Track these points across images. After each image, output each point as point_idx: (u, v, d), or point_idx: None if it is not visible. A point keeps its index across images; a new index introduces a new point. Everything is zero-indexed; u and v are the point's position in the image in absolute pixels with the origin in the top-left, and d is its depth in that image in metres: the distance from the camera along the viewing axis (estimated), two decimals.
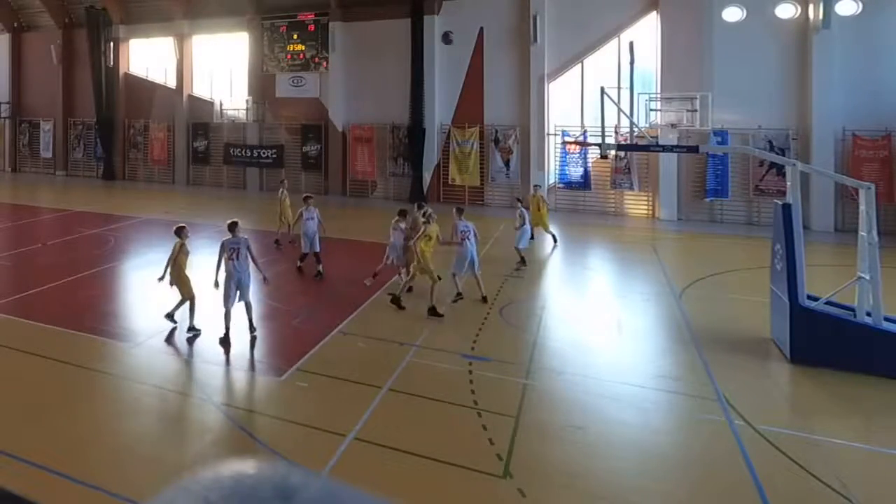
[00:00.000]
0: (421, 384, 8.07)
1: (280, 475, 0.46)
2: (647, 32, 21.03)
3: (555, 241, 16.52)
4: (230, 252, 9.49)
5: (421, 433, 6.82)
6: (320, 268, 13.31)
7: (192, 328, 9.76)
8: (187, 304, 9.87)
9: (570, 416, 7.35)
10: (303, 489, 0.45)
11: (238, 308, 9.54)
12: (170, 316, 10.10)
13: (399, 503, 0.53)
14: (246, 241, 9.68)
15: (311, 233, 13.32)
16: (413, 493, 5.81)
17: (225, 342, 9.31)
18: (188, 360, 8.98)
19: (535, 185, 18.47)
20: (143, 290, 13.17)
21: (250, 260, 9.64)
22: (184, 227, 10.20)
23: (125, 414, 7.44)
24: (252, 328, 9.65)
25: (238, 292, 9.48)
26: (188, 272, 10.05)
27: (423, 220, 11.32)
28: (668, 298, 11.93)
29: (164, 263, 10.06)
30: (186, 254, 10.02)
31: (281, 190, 16.71)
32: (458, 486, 5.95)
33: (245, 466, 0.47)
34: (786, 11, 19.59)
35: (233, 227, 9.70)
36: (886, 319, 8.55)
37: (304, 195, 14.69)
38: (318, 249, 13.35)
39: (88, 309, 11.17)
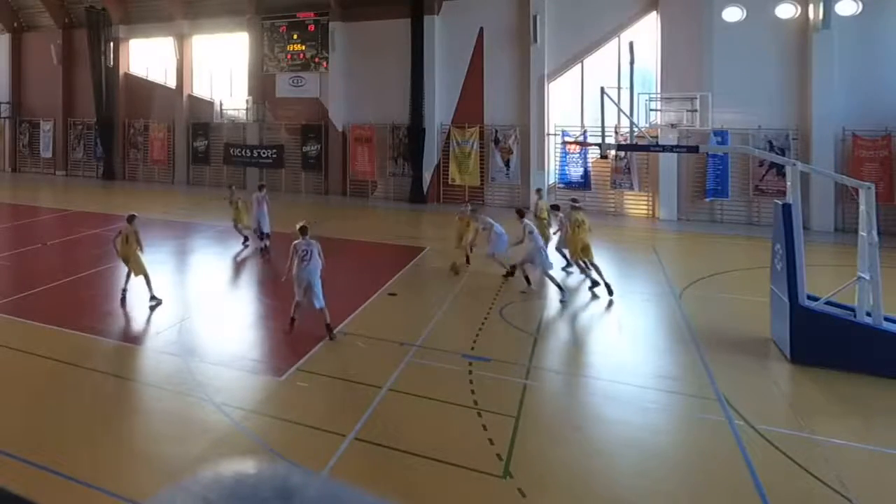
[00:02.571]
0: (421, 384, 8.07)
1: (280, 475, 0.46)
2: (647, 32, 21.03)
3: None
4: (302, 254, 9.61)
5: (421, 433, 6.81)
6: (266, 243, 15.31)
7: (153, 297, 11.26)
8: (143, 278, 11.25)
9: (570, 416, 7.35)
10: (303, 489, 0.45)
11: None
12: (154, 299, 11.22)
13: (399, 503, 0.53)
14: (316, 244, 9.78)
15: (263, 217, 15.55)
16: (413, 493, 5.81)
17: (291, 324, 9.68)
18: (188, 360, 8.97)
19: (538, 189, 18.22)
20: (143, 290, 13.16)
21: (319, 263, 9.69)
22: (135, 216, 11.68)
23: (125, 414, 7.44)
24: (331, 334, 9.58)
25: (306, 295, 9.61)
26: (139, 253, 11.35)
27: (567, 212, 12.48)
28: (668, 298, 11.93)
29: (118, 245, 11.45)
30: (136, 236, 11.31)
31: (233, 193, 16.46)
32: (458, 486, 5.95)
33: (245, 466, 0.47)
34: (786, 11, 19.59)
35: (304, 230, 9.87)
36: (886, 319, 8.55)
37: (260, 184, 17.36)
38: (267, 230, 15.38)
39: (88, 309, 11.17)
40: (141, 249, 11.34)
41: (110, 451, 6.52)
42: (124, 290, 11.49)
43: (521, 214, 12.55)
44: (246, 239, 16.08)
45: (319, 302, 9.62)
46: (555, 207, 14.22)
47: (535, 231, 12.27)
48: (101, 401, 7.75)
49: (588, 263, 12.26)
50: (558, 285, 11.84)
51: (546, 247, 12.57)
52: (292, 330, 9.66)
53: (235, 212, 16.14)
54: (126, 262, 11.42)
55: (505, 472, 6.11)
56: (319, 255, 9.69)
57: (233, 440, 6.77)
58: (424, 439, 6.66)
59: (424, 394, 7.81)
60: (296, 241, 9.80)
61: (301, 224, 10.04)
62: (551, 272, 12.02)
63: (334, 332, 9.71)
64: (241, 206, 16.11)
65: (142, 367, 8.86)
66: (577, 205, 13.28)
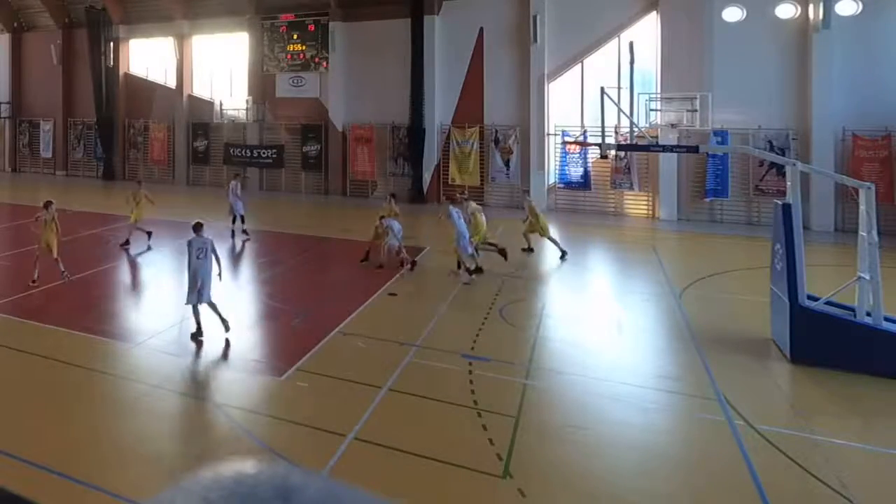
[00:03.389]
0: (421, 384, 8.07)
1: (280, 475, 0.46)
2: (647, 32, 21.03)
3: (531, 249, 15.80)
4: (197, 252, 9.58)
5: (421, 433, 6.81)
6: (244, 227, 17.10)
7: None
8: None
9: (570, 416, 7.35)
10: (303, 489, 0.45)
11: (206, 310, 9.62)
12: (63, 273, 12.33)
13: (399, 503, 0.53)
14: (211, 241, 9.83)
15: (236, 202, 17.12)
16: (413, 493, 5.81)
17: (197, 335, 9.46)
18: (188, 360, 8.97)
19: (525, 190, 18.50)
20: (142, 290, 13.19)
21: (214, 259, 9.79)
22: (51, 202, 12.64)
23: (125, 414, 7.44)
24: (226, 327, 9.57)
25: (200, 291, 9.53)
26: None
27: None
28: (668, 298, 11.93)
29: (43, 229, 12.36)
30: (54, 222, 12.40)
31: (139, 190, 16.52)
32: (458, 486, 5.95)
33: (245, 466, 0.47)
34: (786, 11, 19.59)
35: (198, 227, 9.87)
36: (886, 319, 8.55)
37: (235, 173, 19.85)
38: (242, 213, 17.05)
39: (88, 309, 11.16)
40: (59, 232, 12.44)
41: (110, 451, 6.51)
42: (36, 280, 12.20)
43: (451, 200, 14.42)
44: (127, 242, 15.77)
45: (208, 296, 9.58)
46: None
47: (456, 218, 13.09)
48: (100, 401, 7.75)
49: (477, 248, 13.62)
50: (465, 267, 12.92)
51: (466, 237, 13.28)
52: (201, 336, 9.46)
53: (137, 209, 15.90)
54: (48, 245, 12.24)
55: (505, 472, 6.11)
56: (214, 252, 9.76)
57: (233, 440, 6.77)
58: (424, 439, 6.66)
59: (424, 394, 7.81)
60: (191, 239, 9.76)
61: (195, 221, 10.03)
62: (466, 254, 13.00)
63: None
64: (143, 203, 16.04)
65: (142, 367, 8.86)
66: (465, 196, 15.07)
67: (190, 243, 9.67)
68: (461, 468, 6.17)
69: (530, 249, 15.45)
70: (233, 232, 16.95)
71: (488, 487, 5.91)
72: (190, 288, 9.51)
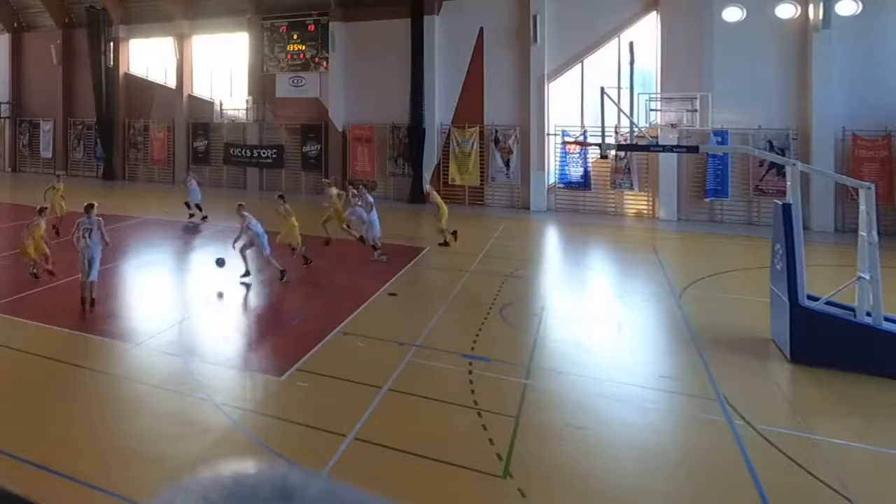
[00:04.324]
0: (421, 384, 8.07)
1: (280, 475, 0.46)
2: (647, 32, 21.03)
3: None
4: (84, 231, 10.38)
5: (421, 433, 6.81)
6: (202, 214, 19.45)
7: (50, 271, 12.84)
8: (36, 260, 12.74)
9: (570, 416, 7.35)
10: (303, 489, 0.45)
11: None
12: (34, 275, 12.71)
13: (399, 503, 0.53)
14: (98, 221, 10.54)
15: (196, 194, 19.76)
16: (413, 493, 5.81)
17: (82, 304, 10.47)
18: (188, 360, 8.97)
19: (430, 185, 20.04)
20: (142, 290, 13.18)
21: (101, 238, 10.52)
22: (45, 208, 13.18)
23: (125, 414, 7.44)
24: (92, 303, 10.43)
25: (88, 267, 10.37)
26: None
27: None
28: (668, 298, 11.93)
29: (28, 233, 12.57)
30: (42, 228, 12.74)
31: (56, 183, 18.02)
32: (458, 486, 5.95)
33: (245, 466, 0.47)
34: (786, 11, 19.59)
35: (89, 208, 10.70)
36: (886, 319, 8.55)
37: (188, 167, 22.41)
38: (198, 200, 19.71)
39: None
40: (34, 240, 12.81)
41: (110, 451, 6.51)
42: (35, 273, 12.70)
43: (369, 189, 15.61)
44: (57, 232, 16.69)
45: (94, 275, 10.38)
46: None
47: (372, 204, 14.74)
48: (100, 400, 7.75)
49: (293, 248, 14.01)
50: (373, 247, 14.37)
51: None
52: (84, 312, 10.33)
53: (59, 200, 17.09)
54: (25, 254, 12.61)
55: (505, 472, 6.11)
56: (100, 231, 10.45)
57: (233, 440, 6.77)
58: (424, 439, 6.66)
59: (424, 394, 7.81)
60: (80, 219, 10.63)
61: (87, 203, 10.80)
62: (374, 239, 14.51)
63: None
64: (58, 195, 17.31)
65: (142, 367, 8.86)
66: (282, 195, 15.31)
67: (78, 224, 10.53)
68: (461, 468, 6.17)
69: (445, 243, 15.94)
70: (198, 218, 19.49)
71: (488, 487, 5.91)
72: (81, 265, 10.41)
